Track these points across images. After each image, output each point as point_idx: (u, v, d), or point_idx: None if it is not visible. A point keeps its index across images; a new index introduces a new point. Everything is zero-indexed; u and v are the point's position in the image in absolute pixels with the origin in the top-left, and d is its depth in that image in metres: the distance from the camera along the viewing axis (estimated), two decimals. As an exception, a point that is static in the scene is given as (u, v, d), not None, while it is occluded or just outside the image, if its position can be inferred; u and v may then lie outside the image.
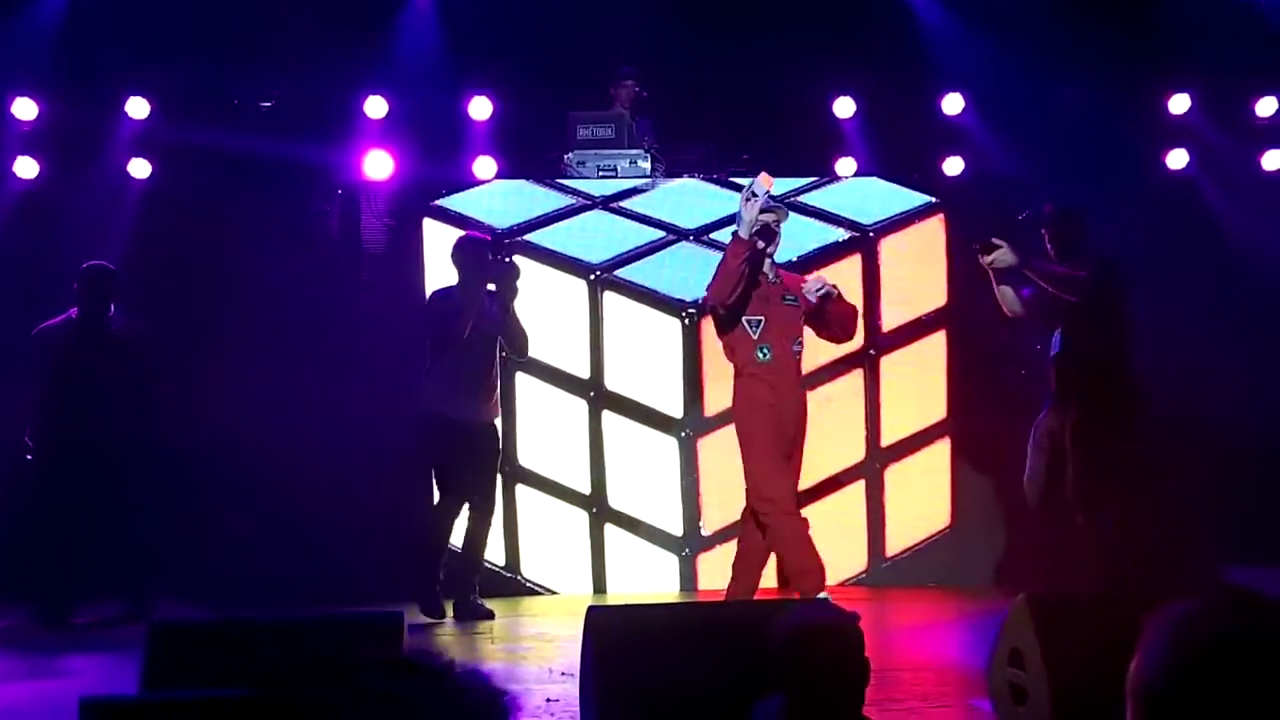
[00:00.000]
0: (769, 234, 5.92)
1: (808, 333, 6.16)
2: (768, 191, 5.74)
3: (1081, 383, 6.40)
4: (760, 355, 6.01)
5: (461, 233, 7.09)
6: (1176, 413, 7.28)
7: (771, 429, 6.02)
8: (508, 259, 7.05)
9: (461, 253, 6.77)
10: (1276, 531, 7.25)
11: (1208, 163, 8.08)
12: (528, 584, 7.48)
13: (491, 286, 6.66)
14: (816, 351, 7.46)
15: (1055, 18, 7.81)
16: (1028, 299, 6.56)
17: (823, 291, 5.96)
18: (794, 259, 7.53)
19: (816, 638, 2.54)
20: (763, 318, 6.02)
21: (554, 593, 7.45)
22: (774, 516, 5.97)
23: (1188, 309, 7.51)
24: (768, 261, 6.03)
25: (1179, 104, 8.12)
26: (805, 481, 7.46)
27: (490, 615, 6.65)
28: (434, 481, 6.87)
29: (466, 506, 6.74)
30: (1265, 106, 8.22)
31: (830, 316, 6.07)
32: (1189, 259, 7.70)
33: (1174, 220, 7.85)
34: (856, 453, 7.58)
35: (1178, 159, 8.07)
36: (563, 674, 5.22)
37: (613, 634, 4.14)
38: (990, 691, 4.30)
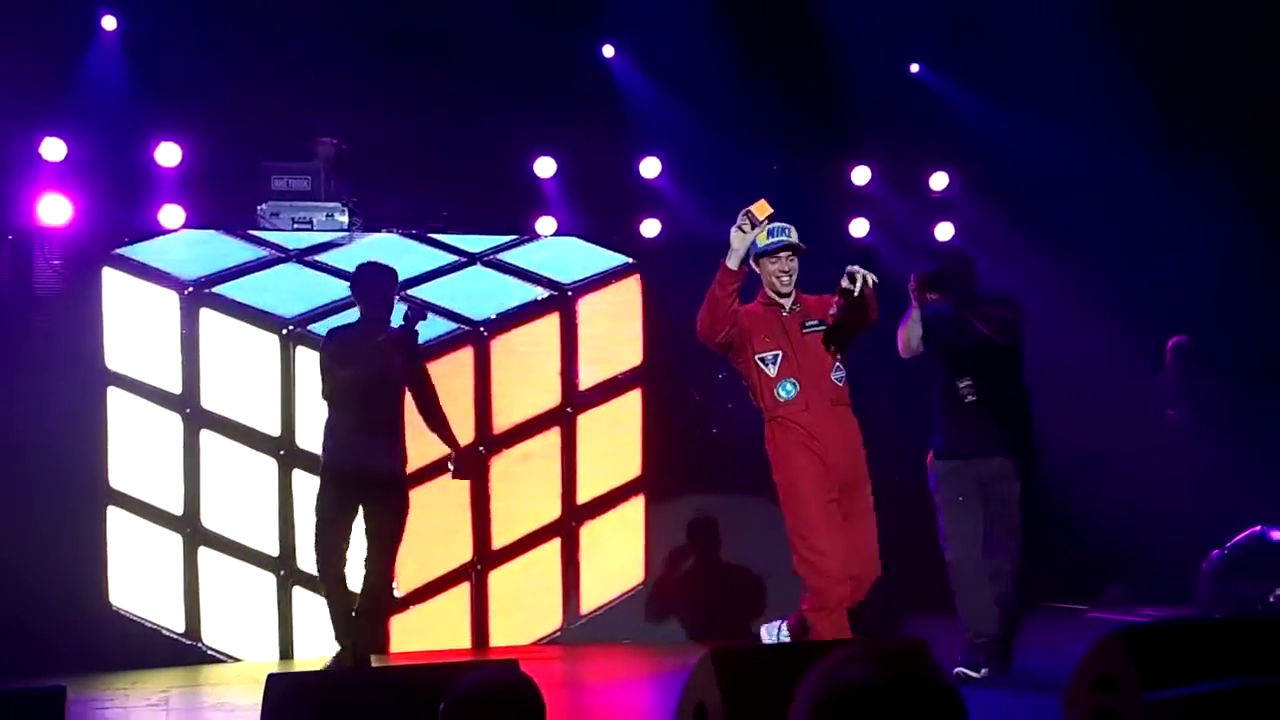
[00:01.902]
0: (781, 272, 5.55)
1: None
2: (764, 220, 5.36)
3: (1008, 430, 6.12)
4: (782, 393, 5.51)
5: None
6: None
7: (811, 472, 5.42)
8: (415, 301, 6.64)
9: (367, 283, 6.34)
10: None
11: (887, 231, 8.51)
12: (209, 651, 7.13)
13: (398, 323, 6.22)
14: (513, 408, 7.49)
15: (748, 89, 8.11)
16: (940, 339, 6.20)
17: (857, 282, 5.33)
18: (493, 316, 7.53)
19: (483, 702, 2.48)
20: (780, 352, 5.55)
21: (238, 660, 7.13)
22: (814, 579, 5.33)
23: (865, 367, 7.84)
24: (789, 292, 5.59)
25: (861, 175, 8.55)
26: (500, 541, 7.48)
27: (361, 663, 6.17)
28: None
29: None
30: (938, 180, 8.76)
31: (867, 304, 5.47)
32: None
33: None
34: (553, 510, 7.59)
35: (859, 227, 8.48)
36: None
37: (291, 702, 3.98)
38: (675, 747, 4.33)
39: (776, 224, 5.58)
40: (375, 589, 6.30)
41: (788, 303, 5.64)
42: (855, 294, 5.35)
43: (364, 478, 6.22)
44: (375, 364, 6.14)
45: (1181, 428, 8.29)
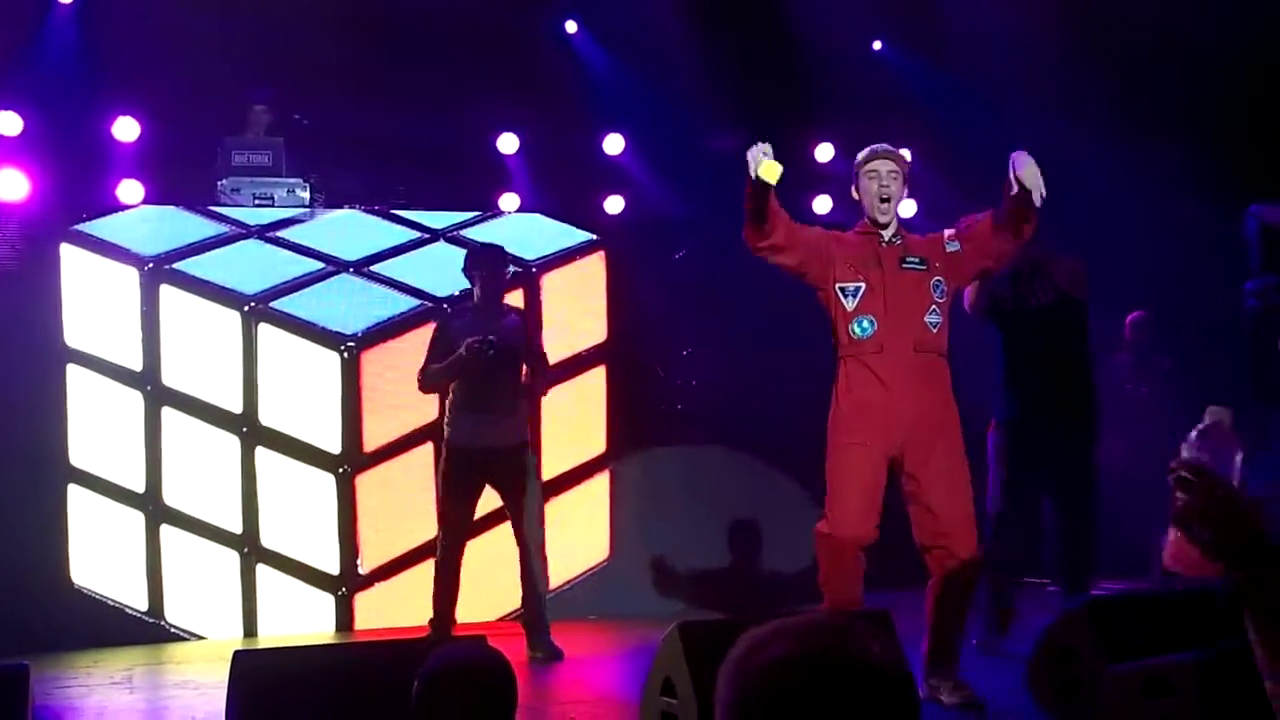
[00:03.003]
0: (882, 189, 5.06)
1: None
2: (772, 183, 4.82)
3: (1073, 396, 6.04)
4: (855, 330, 4.98)
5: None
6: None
7: (858, 423, 4.93)
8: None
9: (485, 264, 6.37)
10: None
11: (849, 208, 8.52)
12: (172, 629, 7.10)
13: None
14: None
15: (711, 65, 8.10)
16: (1004, 300, 6.06)
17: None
18: (456, 293, 7.50)
19: (457, 678, 2.49)
20: (863, 283, 5.00)
21: (202, 638, 7.11)
22: (822, 542, 4.98)
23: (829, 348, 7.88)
24: (887, 219, 5.09)
25: (824, 152, 8.56)
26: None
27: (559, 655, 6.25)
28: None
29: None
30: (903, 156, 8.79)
31: (983, 241, 5.06)
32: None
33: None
34: (517, 487, 7.58)
35: (822, 204, 8.49)
36: (206, 723, 4.97)
37: (258, 679, 3.98)
38: (642, 721, 4.35)
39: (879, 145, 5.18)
40: (531, 556, 6.36)
41: (887, 233, 5.12)
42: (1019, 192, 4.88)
43: (490, 455, 6.25)
44: (503, 342, 6.16)
45: (1139, 404, 8.37)
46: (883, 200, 5.12)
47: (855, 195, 5.26)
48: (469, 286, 6.56)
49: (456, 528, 6.38)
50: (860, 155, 5.24)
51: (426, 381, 6.36)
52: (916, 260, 5.07)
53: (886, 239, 5.11)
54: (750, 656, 1.44)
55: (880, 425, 4.95)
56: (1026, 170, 4.90)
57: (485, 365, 6.03)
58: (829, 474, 5.02)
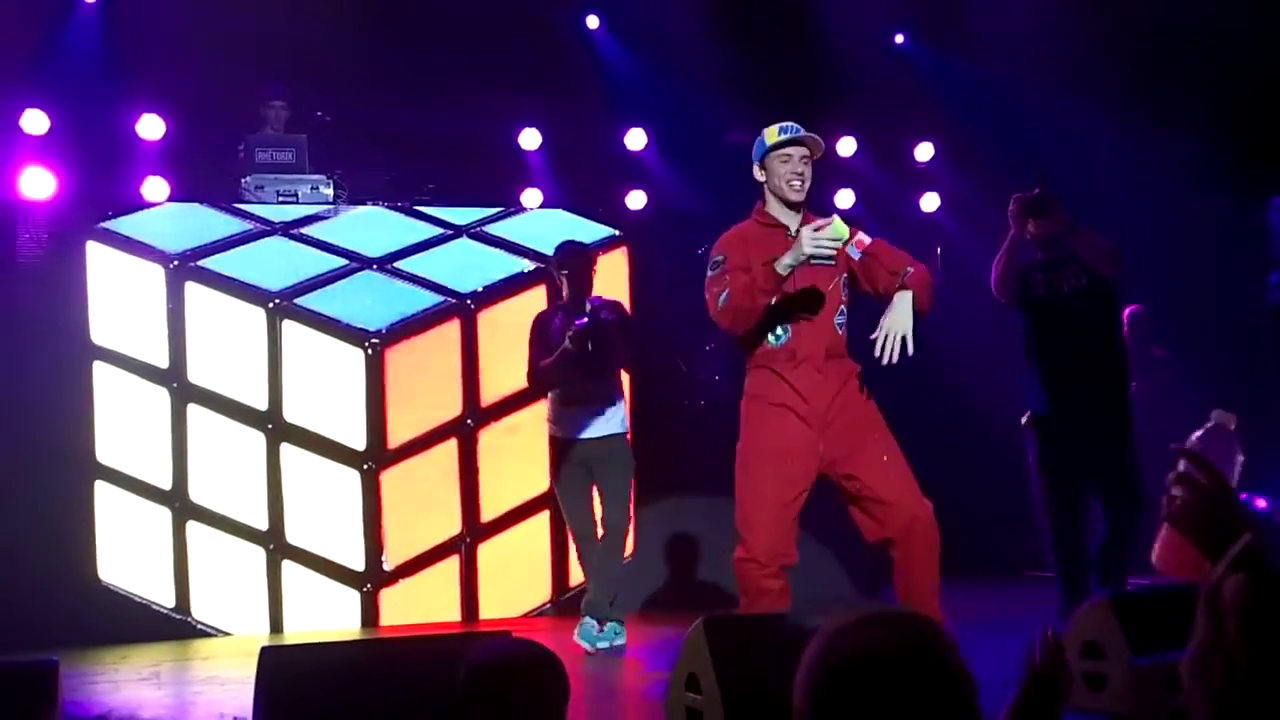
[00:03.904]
0: (794, 175, 4.74)
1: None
2: (838, 243, 4.53)
3: (1107, 385, 5.94)
4: (772, 339, 4.71)
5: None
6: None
7: (777, 438, 4.68)
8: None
9: (573, 262, 6.40)
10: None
11: (872, 203, 8.52)
12: (199, 625, 7.14)
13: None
14: (500, 381, 7.48)
15: (733, 60, 8.10)
16: (1033, 287, 6.00)
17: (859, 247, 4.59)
18: (479, 288, 7.52)
19: (508, 673, 2.47)
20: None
21: (228, 634, 7.15)
22: (741, 568, 4.74)
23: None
24: (799, 201, 4.76)
25: (846, 146, 8.55)
26: (489, 513, 7.49)
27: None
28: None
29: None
30: (923, 151, 8.78)
31: (875, 277, 4.69)
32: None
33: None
34: (541, 482, 7.59)
35: (845, 199, 8.48)
36: (235, 719, 4.99)
37: (286, 675, 3.99)
38: (667, 717, 4.36)
39: (787, 122, 4.80)
40: (611, 541, 6.39)
41: (794, 223, 4.77)
42: (855, 258, 4.69)
43: (591, 445, 6.34)
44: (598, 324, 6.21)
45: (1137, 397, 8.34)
46: (798, 180, 4.77)
47: (757, 175, 4.87)
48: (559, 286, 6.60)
49: (581, 520, 6.46)
50: (769, 139, 4.80)
51: (539, 380, 6.43)
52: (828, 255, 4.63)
53: (793, 230, 4.74)
54: (844, 642, 1.45)
55: (791, 435, 4.69)
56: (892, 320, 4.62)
57: (583, 355, 6.08)
58: (749, 498, 4.77)
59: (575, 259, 6.46)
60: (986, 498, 7.92)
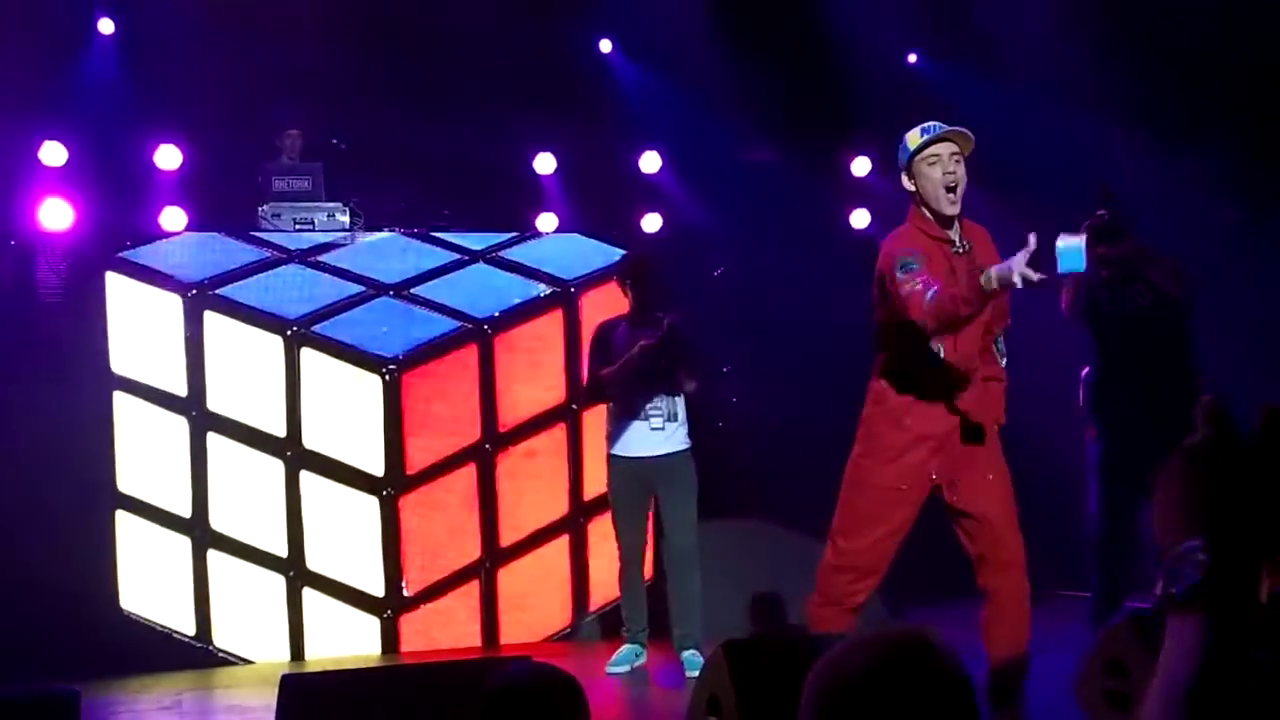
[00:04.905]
0: (948, 176, 4.43)
1: None
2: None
3: (1173, 401, 5.63)
4: (933, 354, 4.44)
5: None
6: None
7: (901, 461, 4.59)
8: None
9: (639, 274, 6.41)
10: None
11: (888, 222, 8.50)
12: (220, 654, 7.14)
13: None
14: (518, 405, 7.48)
15: (746, 81, 8.12)
16: (1101, 303, 6.00)
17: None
18: (496, 313, 7.53)
19: (530, 698, 2.46)
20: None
21: (249, 661, 7.14)
22: (811, 602, 4.75)
23: (869, 360, 7.84)
24: (955, 211, 4.46)
25: (861, 166, 8.56)
26: (508, 538, 7.48)
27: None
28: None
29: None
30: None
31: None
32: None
33: (859, 276, 8.21)
34: (560, 507, 7.59)
35: (860, 218, 8.49)
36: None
37: (308, 701, 3.99)
38: (689, 741, 4.34)
39: (929, 122, 4.49)
40: (679, 565, 6.42)
41: (957, 235, 4.50)
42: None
43: (651, 464, 6.32)
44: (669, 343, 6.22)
45: None
46: (953, 187, 4.47)
47: (906, 184, 4.57)
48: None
49: (630, 540, 6.44)
50: (912, 143, 4.52)
51: (597, 389, 6.42)
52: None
53: (957, 244, 4.51)
54: (832, 670, 1.47)
55: (919, 459, 4.61)
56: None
57: (651, 370, 6.07)
58: (847, 517, 4.72)
59: (635, 268, 6.44)
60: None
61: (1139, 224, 7.70)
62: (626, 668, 6.35)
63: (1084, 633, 5.72)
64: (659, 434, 6.32)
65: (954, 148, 4.50)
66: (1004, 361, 4.68)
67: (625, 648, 6.42)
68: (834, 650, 1.50)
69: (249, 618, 7.20)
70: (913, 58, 9.07)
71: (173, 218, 7.39)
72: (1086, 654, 4.58)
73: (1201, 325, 7.95)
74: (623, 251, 7.82)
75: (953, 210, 4.50)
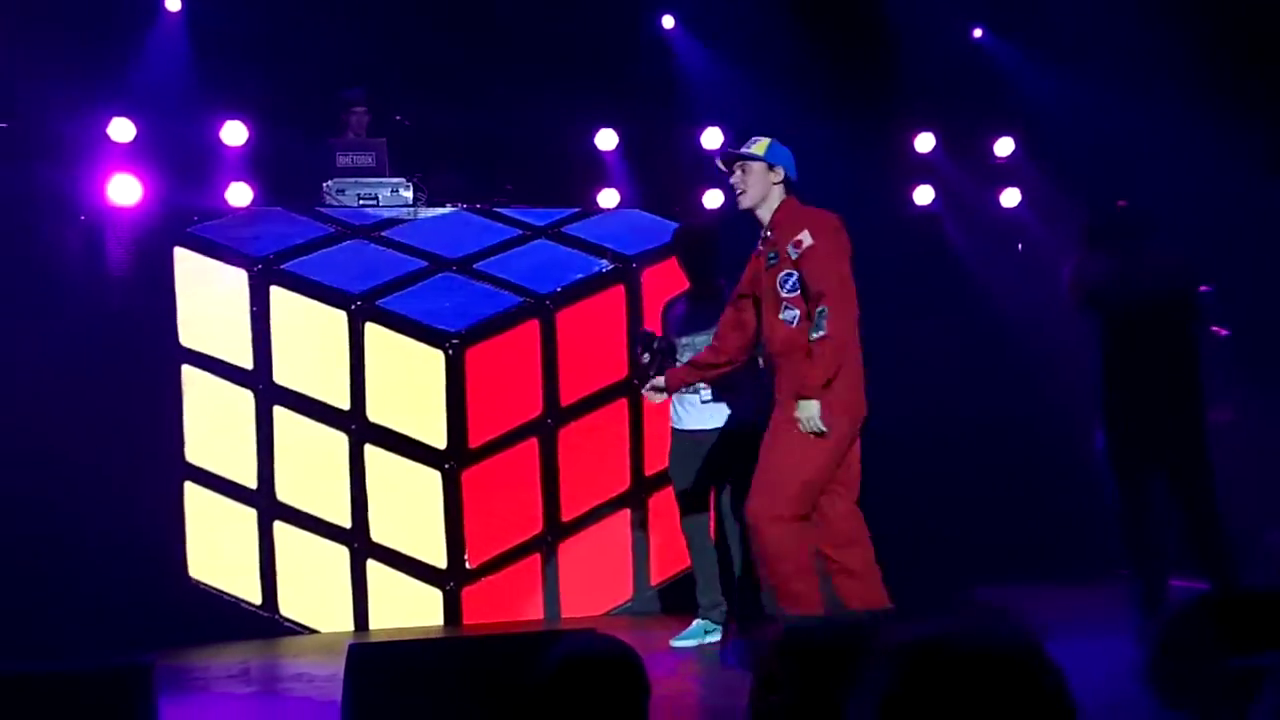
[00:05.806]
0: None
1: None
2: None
3: (1178, 391, 5.97)
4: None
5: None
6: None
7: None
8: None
9: (691, 246, 6.44)
10: (1022, 552, 7.61)
11: (951, 199, 8.46)
12: (286, 623, 7.25)
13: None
14: (580, 380, 7.51)
15: (809, 57, 8.07)
16: (1103, 293, 6.07)
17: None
18: (558, 289, 7.55)
19: (592, 669, 2.50)
20: (755, 295, 5.36)
21: (314, 631, 7.25)
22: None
23: (930, 339, 7.82)
24: (747, 207, 5.42)
25: (924, 143, 8.50)
26: (570, 512, 7.53)
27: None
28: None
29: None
30: (1003, 146, 8.70)
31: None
32: (935, 291, 8.04)
33: (921, 253, 8.19)
34: (622, 481, 7.63)
35: (924, 195, 8.43)
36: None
37: (373, 671, 4.05)
38: (748, 717, 4.35)
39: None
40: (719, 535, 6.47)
41: (762, 230, 5.39)
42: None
43: (711, 436, 6.34)
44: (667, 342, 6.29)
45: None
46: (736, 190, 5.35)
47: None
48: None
49: (690, 514, 6.44)
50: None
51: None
52: (774, 257, 5.35)
53: (761, 240, 5.38)
54: (904, 646, 1.39)
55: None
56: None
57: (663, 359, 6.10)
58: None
59: (684, 240, 6.43)
60: (1069, 496, 7.82)
61: (1199, 201, 7.63)
62: (693, 643, 6.37)
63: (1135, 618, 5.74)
64: (709, 406, 6.34)
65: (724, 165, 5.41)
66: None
67: (695, 623, 6.45)
68: (902, 629, 1.40)
69: (314, 588, 7.30)
70: (978, 32, 8.98)
71: (239, 193, 7.49)
72: (1156, 635, 4.54)
73: (1255, 305, 7.86)
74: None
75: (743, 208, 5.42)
